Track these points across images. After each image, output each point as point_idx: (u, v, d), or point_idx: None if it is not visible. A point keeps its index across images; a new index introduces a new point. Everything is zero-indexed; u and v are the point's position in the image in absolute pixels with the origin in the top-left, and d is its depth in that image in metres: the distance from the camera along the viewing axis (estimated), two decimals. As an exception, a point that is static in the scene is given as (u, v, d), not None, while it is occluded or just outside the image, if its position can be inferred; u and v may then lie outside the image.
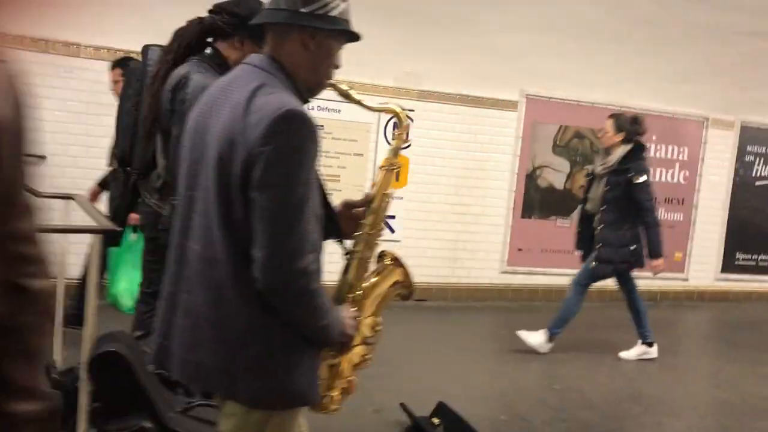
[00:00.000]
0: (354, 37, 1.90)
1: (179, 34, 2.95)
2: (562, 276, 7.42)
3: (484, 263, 7.23)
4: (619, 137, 5.27)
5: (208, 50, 2.90)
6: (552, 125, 7.35)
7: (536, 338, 5.42)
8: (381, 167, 2.18)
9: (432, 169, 6.90)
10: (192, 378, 1.90)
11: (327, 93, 6.77)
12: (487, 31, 6.67)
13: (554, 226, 7.47)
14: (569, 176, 7.46)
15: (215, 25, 2.87)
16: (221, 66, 2.78)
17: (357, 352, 2.11)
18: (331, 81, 1.98)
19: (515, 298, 7.34)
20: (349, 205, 2.14)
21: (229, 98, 1.76)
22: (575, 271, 5.61)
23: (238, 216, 1.70)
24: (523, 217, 7.35)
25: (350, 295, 2.07)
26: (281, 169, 1.66)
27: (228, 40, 2.85)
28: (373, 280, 2.17)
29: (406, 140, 2.24)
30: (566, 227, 7.40)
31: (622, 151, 5.28)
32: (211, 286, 1.76)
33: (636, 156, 5.27)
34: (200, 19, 2.94)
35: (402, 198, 6.78)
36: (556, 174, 7.44)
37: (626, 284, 5.55)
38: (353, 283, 2.08)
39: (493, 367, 5.27)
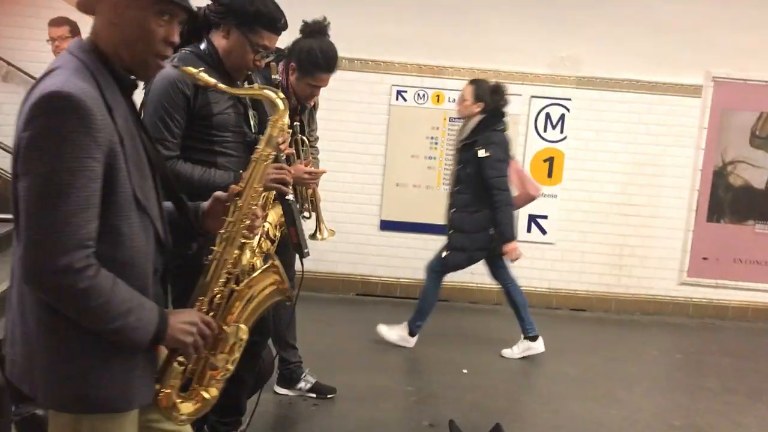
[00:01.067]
0: (171, 1, 1.65)
1: None
2: (761, 292, 6.26)
3: (657, 272, 6.32)
4: (478, 107, 4.63)
5: (204, 42, 2.80)
6: (748, 113, 6.19)
7: (395, 333, 4.92)
8: (252, 158, 1.92)
9: (592, 164, 6.18)
10: (12, 376, 1.80)
11: (460, 84, 6.32)
12: (658, 4, 5.81)
13: (752, 232, 6.30)
14: (773, 173, 6.24)
15: (205, 15, 2.77)
16: (211, 57, 2.68)
17: (218, 360, 1.87)
18: (174, 64, 1.76)
19: (697, 315, 6.32)
20: (218, 200, 1.91)
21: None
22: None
23: None
24: (709, 220, 6.29)
25: (203, 298, 1.83)
26: (36, 155, 1.47)
27: (217, 31, 2.71)
28: (243, 284, 1.93)
29: (284, 128, 1.94)
30: (767, 234, 6.21)
31: (475, 122, 4.61)
32: (17, 281, 1.65)
33: (486, 126, 4.61)
34: (196, 10, 2.86)
35: (556, 196, 6.17)
36: (755, 170, 6.26)
37: (497, 273, 4.93)
38: (208, 286, 1.84)
39: (661, 400, 4.40)
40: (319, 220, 3.62)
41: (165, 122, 2.58)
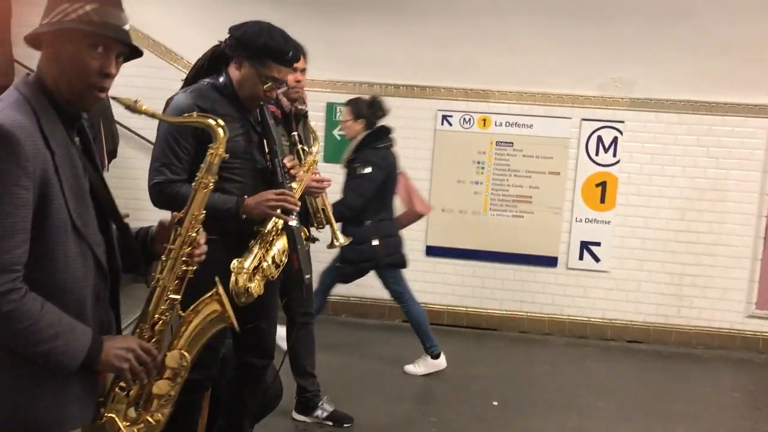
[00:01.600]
0: (99, 33, 1.69)
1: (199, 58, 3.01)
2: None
3: (722, 304, 5.94)
4: (360, 124, 4.64)
5: (223, 75, 2.88)
6: (820, 133, 5.77)
7: (421, 366, 4.85)
8: (193, 186, 1.94)
9: (648, 189, 5.91)
10: None
11: (517, 107, 6.34)
12: (718, 23, 5.52)
13: (829, 262, 5.84)
14: None
15: (223, 49, 2.86)
16: (227, 88, 2.78)
17: (160, 386, 1.88)
18: (112, 95, 1.81)
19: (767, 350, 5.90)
20: (163, 226, 1.93)
21: None
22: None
23: None
24: (778, 248, 5.88)
25: (143, 325, 1.85)
26: None
27: (232, 63, 2.80)
28: (190, 310, 1.95)
29: (223, 155, 1.96)
30: None
31: (358, 140, 4.56)
32: None
33: (366, 144, 4.61)
34: (217, 44, 2.95)
35: (609, 222, 5.93)
36: (831, 195, 5.81)
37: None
38: (149, 313, 1.86)
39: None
40: (333, 228, 3.67)
41: (172, 147, 2.68)
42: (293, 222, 2.82)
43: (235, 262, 2.71)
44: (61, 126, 1.72)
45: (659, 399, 4.67)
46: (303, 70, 3.71)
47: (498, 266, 6.07)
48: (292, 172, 2.93)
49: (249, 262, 2.76)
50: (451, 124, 5.99)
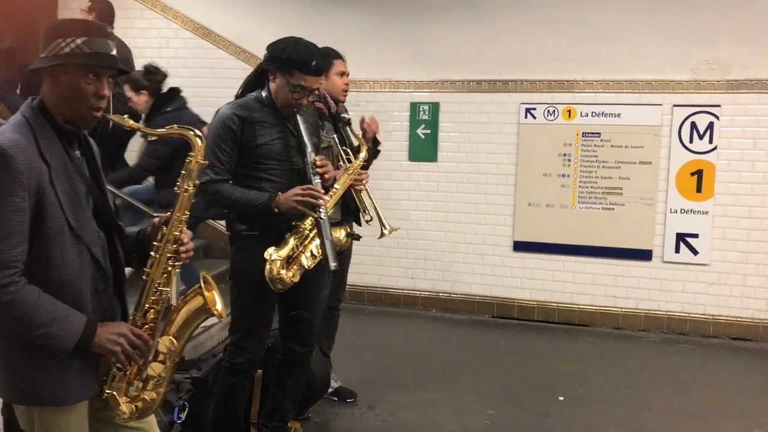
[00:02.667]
0: (91, 62, 1.94)
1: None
2: None
3: (841, 298, 5.43)
4: (144, 95, 4.85)
5: (266, 88, 3.13)
6: None
7: None
8: (175, 190, 2.16)
9: (751, 176, 5.51)
10: None
11: (603, 96, 6.28)
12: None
13: None
14: None
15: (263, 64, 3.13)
16: (269, 99, 3.07)
17: (154, 368, 2.11)
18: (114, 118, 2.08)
19: None
20: (155, 226, 2.17)
21: None
22: None
23: None
24: None
25: (136, 313, 2.09)
26: None
27: (269, 76, 3.08)
28: (181, 301, 2.19)
29: (201, 161, 2.15)
30: None
31: (146, 112, 4.85)
32: None
33: (155, 112, 4.79)
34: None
35: (707, 213, 5.61)
36: None
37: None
38: (141, 304, 2.10)
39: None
40: (380, 219, 3.82)
41: (214, 151, 3.00)
42: (322, 214, 3.01)
43: (269, 251, 2.97)
44: (58, 143, 1.98)
45: (748, 399, 4.38)
46: (343, 73, 3.87)
47: (589, 260, 5.91)
48: (322, 170, 3.10)
49: (283, 252, 3.01)
50: (534, 117, 5.91)
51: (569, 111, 5.83)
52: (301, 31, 6.25)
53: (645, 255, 5.76)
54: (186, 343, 2.24)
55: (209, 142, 3.00)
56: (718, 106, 5.52)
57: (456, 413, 4.10)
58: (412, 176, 6.23)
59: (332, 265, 2.98)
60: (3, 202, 1.84)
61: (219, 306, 2.23)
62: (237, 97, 3.24)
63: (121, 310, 2.17)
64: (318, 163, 3.10)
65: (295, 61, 2.98)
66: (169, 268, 2.13)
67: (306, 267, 3.10)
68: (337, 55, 3.83)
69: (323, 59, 3.13)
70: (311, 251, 3.13)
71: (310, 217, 3.06)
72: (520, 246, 6.06)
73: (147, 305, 2.11)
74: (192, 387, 3.28)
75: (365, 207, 3.79)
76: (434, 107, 6.11)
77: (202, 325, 2.33)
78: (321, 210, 3.01)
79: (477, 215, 6.13)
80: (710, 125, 5.54)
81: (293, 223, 3.10)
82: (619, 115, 5.72)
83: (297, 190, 2.99)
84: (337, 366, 4.52)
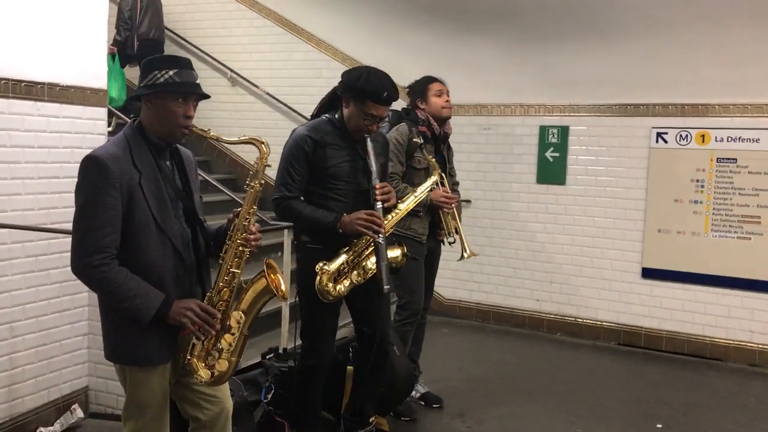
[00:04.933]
0: (180, 90, 2.40)
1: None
2: None
3: None
4: None
5: (338, 111, 3.43)
6: None
7: None
8: (246, 186, 2.57)
9: None
10: None
11: (740, 120, 6.27)
12: None
13: None
14: None
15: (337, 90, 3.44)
16: (340, 122, 3.36)
17: (226, 339, 2.52)
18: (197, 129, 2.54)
19: None
20: (229, 220, 2.60)
21: None
22: None
23: None
24: None
25: (211, 291, 2.52)
26: (78, 191, 2.38)
27: (342, 102, 3.36)
28: (249, 283, 2.58)
29: (266, 164, 2.50)
30: None
31: None
32: None
33: None
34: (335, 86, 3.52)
35: None
36: None
37: None
38: (215, 282, 2.52)
39: None
40: (462, 242, 4.00)
41: (287, 169, 3.33)
42: (380, 239, 3.23)
43: (320, 264, 3.25)
44: (149, 154, 2.47)
45: None
46: (443, 92, 4.07)
47: (722, 291, 5.63)
48: (381, 197, 3.28)
49: (333, 266, 3.27)
50: (666, 142, 5.77)
51: (703, 135, 5.64)
52: (435, 58, 6.74)
53: (786, 289, 5.40)
54: (253, 318, 2.60)
55: (284, 160, 3.34)
56: None
57: (542, 428, 4.17)
58: (539, 198, 6.31)
59: (386, 287, 3.20)
60: (99, 201, 2.34)
61: (283, 287, 2.60)
62: (312, 116, 3.50)
63: (202, 291, 2.61)
64: (377, 189, 3.27)
65: (368, 91, 3.21)
66: (240, 254, 2.53)
67: (356, 282, 3.30)
68: (431, 80, 4.08)
69: (395, 90, 3.31)
70: (363, 268, 3.33)
71: (366, 238, 3.27)
72: (649, 273, 5.91)
73: (221, 284, 2.52)
74: (279, 372, 3.67)
75: (449, 230, 4.00)
76: (563, 131, 6.17)
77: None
78: (380, 235, 3.22)
79: (605, 239, 6.07)
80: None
81: (351, 240, 3.31)
82: (758, 140, 5.44)
83: (361, 214, 3.21)
84: (438, 375, 4.76)
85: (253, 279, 2.62)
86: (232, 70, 7.49)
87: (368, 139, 3.32)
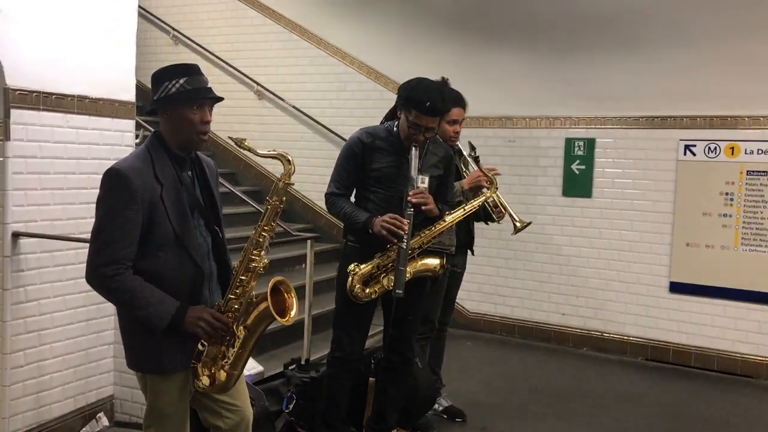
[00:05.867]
0: (193, 97, 2.43)
1: None
2: None
3: None
4: None
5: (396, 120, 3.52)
6: None
7: None
8: (265, 202, 2.58)
9: None
10: None
11: (760, 134, 6.04)
12: None
13: None
14: None
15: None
16: (395, 129, 3.47)
17: (230, 352, 2.52)
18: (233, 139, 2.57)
19: None
20: None
21: None
22: None
23: None
24: None
25: (220, 302, 2.53)
26: (99, 204, 2.41)
27: (399, 110, 3.46)
28: (257, 299, 2.54)
29: (288, 182, 2.51)
30: None
31: None
32: None
33: None
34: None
35: None
36: None
37: None
38: (226, 295, 2.53)
39: None
40: (511, 215, 4.09)
41: (338, 169, 3.50)
42: (403, 244, 3.24)
43: (352, 266, 3.30)
44: (171, 166, 2.49)
45: None
46: (455, 122, 3.97)
47: (753, 306, 5.52)
48: (415, 201, 3.29)
49: (364, 269, 3.32)
50: (694, 154, 5.70)
51: (732, 148, 5.56)
52: (462, 71, 6.73)
53: (819, 304, 5.29)
54: (258, 337, 2.57)
55: (338, 158, 3.51)
56: None
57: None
58: (565, 211, 6.27)
59: (398, 291, 3.21)
60: (120, 214, 2.36)
61: (293, 312, 2.54)
62: (381, 122, 3.66)
63: (222, 298, 2.61)
64: (410, 194, 3.27)
65: (412, 100, 3.30)
66: (252, 269, 2.53)
67: (387, 288, 3.33)
68: (456, 104, 3.95)
69: (442, 102, 3.34)
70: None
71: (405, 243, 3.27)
72: (677, 287, 5.82)
73: (231, 296, 2.53)
74: (301, 382, 3.68)
75: (495, 205, 4.05)
76: (589, 143, 6.13)
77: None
78: (403, 240, 3.23)
79: (632, 253, 6.00)
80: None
81: (388, 246, 3.34)
82: (796, 153, 5.35)
83: (386, 217, 3.27)
84: (462, 389, 4.73)
85: (259, 299, 2.54)
86: (258, 84, 7.57)
87: (413, 149, 3.34)
